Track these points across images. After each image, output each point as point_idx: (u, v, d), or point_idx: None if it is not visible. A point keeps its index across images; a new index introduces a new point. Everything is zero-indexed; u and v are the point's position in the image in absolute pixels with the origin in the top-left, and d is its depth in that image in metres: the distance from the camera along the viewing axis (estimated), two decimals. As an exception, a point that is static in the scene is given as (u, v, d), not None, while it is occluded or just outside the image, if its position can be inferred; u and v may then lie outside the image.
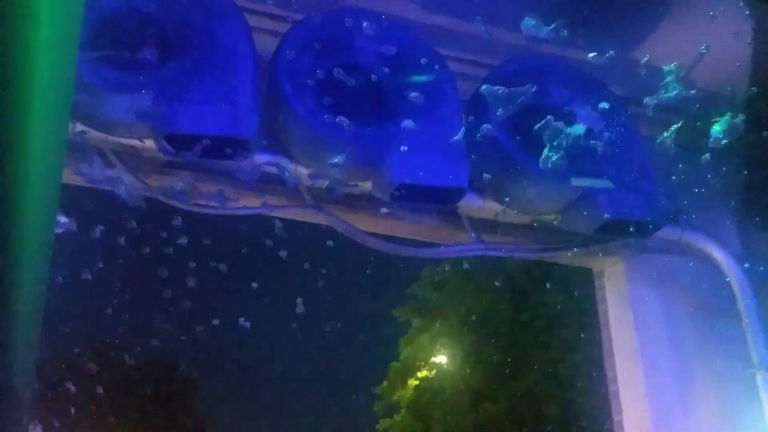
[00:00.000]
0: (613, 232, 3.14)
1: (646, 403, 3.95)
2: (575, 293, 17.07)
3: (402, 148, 2.62)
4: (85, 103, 2.39)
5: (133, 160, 3.33)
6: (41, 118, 1.31)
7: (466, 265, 18.73)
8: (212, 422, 26.10)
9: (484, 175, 2.89)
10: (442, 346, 19.10)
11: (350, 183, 3.08)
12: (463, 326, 18.26)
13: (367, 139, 2.65)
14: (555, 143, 2.93)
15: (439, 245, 3.72)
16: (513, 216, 3.50)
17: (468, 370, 17.90)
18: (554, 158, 2.82)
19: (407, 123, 2.67)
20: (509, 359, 16.97)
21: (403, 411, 19.69)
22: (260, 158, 2.98)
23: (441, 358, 19.22)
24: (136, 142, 2.84)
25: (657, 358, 4.07)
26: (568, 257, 4.17)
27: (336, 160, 2.67)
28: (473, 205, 3.28)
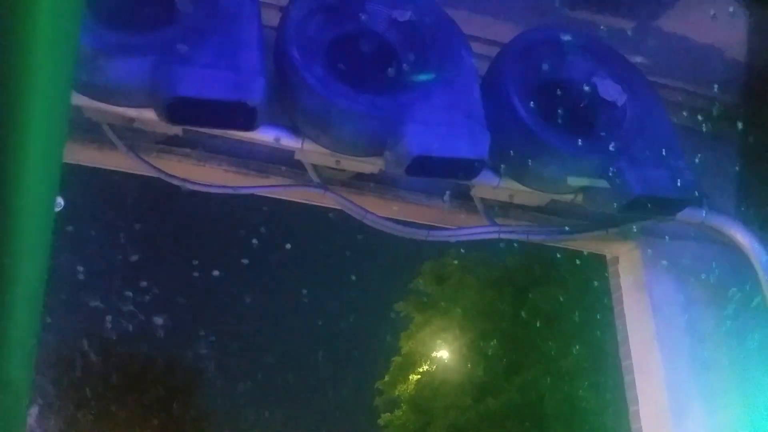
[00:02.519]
0: (639, 211, 2.99)
1: (664, 392, 3.81)
2: (580, 285, 16.99)
3: (418, 118, 2.47)
4: (81, 69, 2.24)
5: (131, 135, 3.20)
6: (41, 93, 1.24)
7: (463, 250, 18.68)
8: (212, 415, 26.07)
9: (502, 151, 2.73)
10: (443, 341, 19.04)
11: (361, 159, 2.93)
12: (464, 321, 18.19)
13: (380, 109, 2.50)
14: (577, 116, 2.79)
15: (451, 228, 3.58)
16: (528, 197, 3.36)
17: (469, 365, 17.84)
18: (576, 131, 2.67)
19: (422, 92, 2.52)
20: (511, 354, 16.90)
21: (404, 406, 19.64)
22: (265, 133, 2.82)
23: (442, 353, 19.16)
24: (134, 114, 2.69)
25: (675, 346, 3.93)
26: (582, 242, 4.04)
27: (347, 131, 2.52)
28: (488, 184, 3.13)
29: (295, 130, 2.84)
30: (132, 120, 2.95)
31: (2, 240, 1.37)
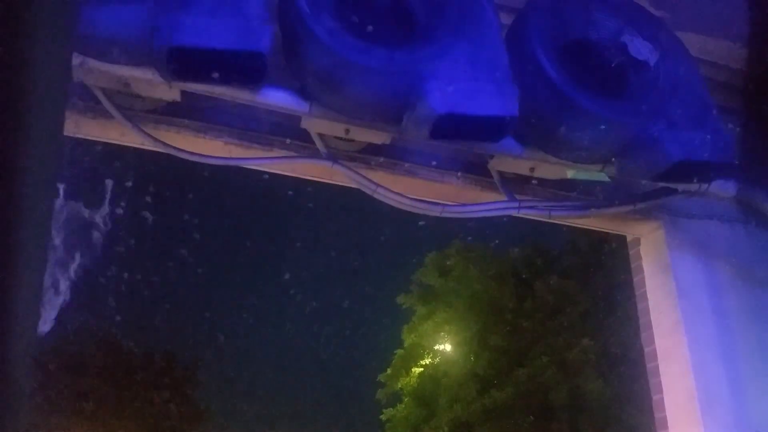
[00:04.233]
0: (675, 178, 2.77)
1: (691, 379, 3.60)
2: (584, 277, 16.81)
3: (440, 74, 2.25)
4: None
5: (126, 101, 2.99)
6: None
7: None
8: (213, 409, 25.91)
9: (527, 114, 2.52)
10: (446, 333, 18.85)
11: (373, 126, 2.71)
12: (468, 313, 17.99)
13: (397, 65, 2.28)
14: (608, 76, 2.57)
15: (467, 204, 3.37)
16: (551, 169, 3.15)
17: (472, 358, 17.65)
18: (608, 92, 2.46)
19: (442, 45, 2.30)
20: (516, 345, 16.70)
21: (406, 399, 19.46)
22: (269, 95, 2.61)
23: (446, 346, 18.98)
24: (128, 74, 2.47)
25: (701, 330, 3.72)
26: (604, 221, 3.83)
27: (361, 90, 2.30)
28: (510, 154, 2.91)
29: (302, 93, 2.63)
30: (127, 83, 2.74)
31: (1, 234, 1.35)
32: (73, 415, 22.15)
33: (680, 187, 3.20)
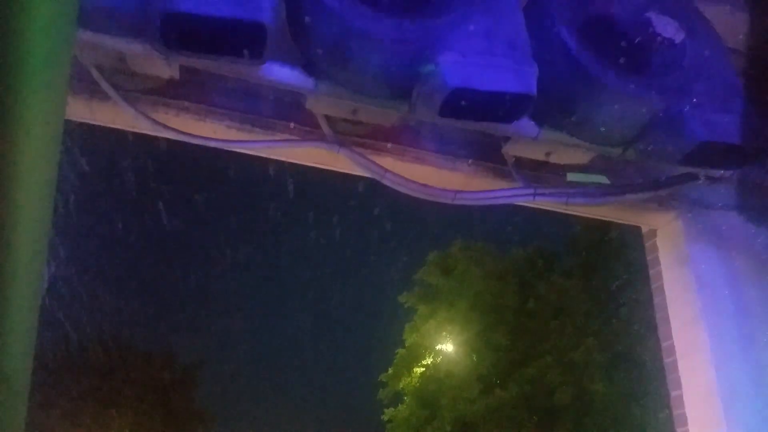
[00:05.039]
0: (699, 162, 2.62)
1: (711, 374, 3.46)
2: (586, 276, 16.67)
3: (454, 45, 2.10)
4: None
5: (123, 82, 2.85)
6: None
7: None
8: (214, 410, 25.81)
9: (546, 91, 2.37)
10: (448, 333, 18.71)
11: (382, 105, 2.56)
12: (470, 312, 17.84)
13: (409, 34, 2.13)
14: (631, 52, 2.42)
15: (480, 191, 3.22)
16: (569, 153, 3.01)
17: (475, 357, 17.52)
18: (632, 69, 2.31)
19: (457, 15, 2.14)
20: (519, 345, 16.56)
21: (408, 399, 19.32)
22: (272, 72, 2.46)
23: (448, 345, 18.83)
24: (124, 48, 2.33)
25: (721, 323, 3.57)
26: (621, 212, 3.69)
27: (369, 62, 2.15)
28: (527, 135, 2.76)
29: (308, 70, 2.48)
30: (123, 59, 2.60)
31: (1, 236, 1.35)
32: (74, 415, 22.07)
33: (702, 172, 3.06)
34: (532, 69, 2.18)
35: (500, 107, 2.22)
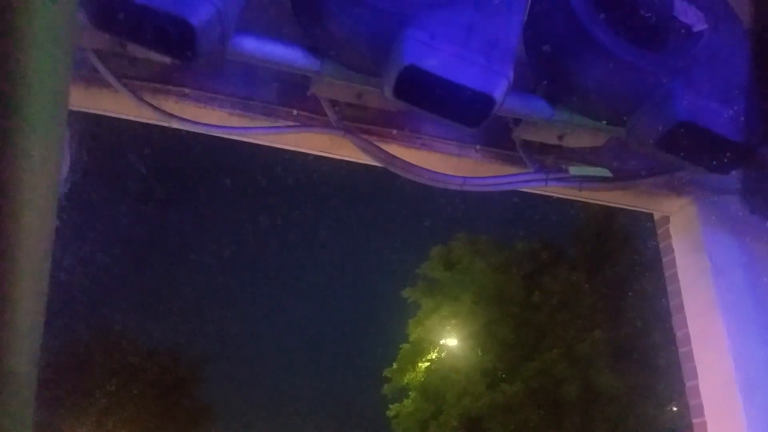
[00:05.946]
0: (682, 147, 2.43)
1: (729, 362, 3.37)
2: (590, 267, 16.58)
3: (424, 24, 1.97)
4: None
5: (122, 68, 2.76)
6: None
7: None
8: (216, 405, 25.80)
9: (557, 68, 2.27)
10: (453, 327, 18.64)
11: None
12: (475, 306, 17.77)
13: (389, 5, 1.99)
14: (643, 28, 2.33)
15: (489, 176, 3.13)
16: (583, 136, 2.91)
17: (480, 352, 17.45)
18: (639, 43, 2.22)
19: (446, 1, 2.02)
20: (525, 339, 16.48)
21: (413, 394, 19.27)
22: (276, 53, 2.38)
23: (452, 340, 18.77)
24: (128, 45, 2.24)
25: (738, 310, 3.49)
26: (634, 197, 3.60)
27: (353, 31, 2.03)
28: (540, 116, 2.67)
29: (313, 50, 2.39)
30: (122, 43, 2.51)
31: (5, 231, 1.32)
32: (79, 414, 22.09)
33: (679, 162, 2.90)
34: (503, 72, 1.97)
35: (459, 104, 2.04)
